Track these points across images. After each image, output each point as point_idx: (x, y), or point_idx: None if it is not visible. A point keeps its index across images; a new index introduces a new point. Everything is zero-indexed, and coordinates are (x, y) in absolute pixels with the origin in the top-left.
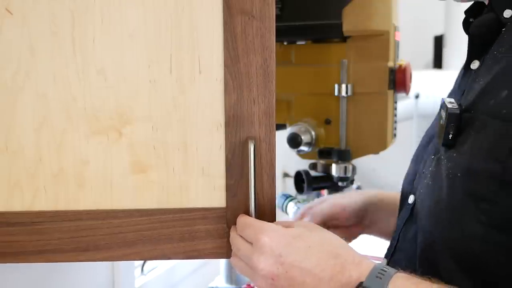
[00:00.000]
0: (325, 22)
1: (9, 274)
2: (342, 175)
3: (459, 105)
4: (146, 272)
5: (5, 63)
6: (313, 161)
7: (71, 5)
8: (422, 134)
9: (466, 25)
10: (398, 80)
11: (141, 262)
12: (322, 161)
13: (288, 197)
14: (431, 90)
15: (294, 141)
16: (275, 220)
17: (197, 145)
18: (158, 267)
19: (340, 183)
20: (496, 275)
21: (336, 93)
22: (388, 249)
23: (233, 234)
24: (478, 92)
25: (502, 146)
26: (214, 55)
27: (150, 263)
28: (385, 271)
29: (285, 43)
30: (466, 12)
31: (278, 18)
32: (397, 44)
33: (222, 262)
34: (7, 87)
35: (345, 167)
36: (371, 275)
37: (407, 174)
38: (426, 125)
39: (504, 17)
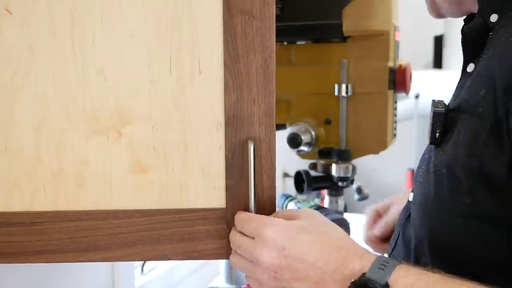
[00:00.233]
0: (325, 22)
1: (9, 274)
2: (342, 175)
3: (446, 105)
4: (146, 272)
5: (5, 63)
6: (313, 161)
7: (70, 5)
8: (422, 134)
9: (463, 30)
10: (398, 80)
11: (141, 262)
12: (322, 161)
13: (288, 197)
14: (431, 90)
15: (294, 141)
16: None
17: (197, 145)
18: (158, 267)
19: (340, 183)
20: (478, 268)
21: (336, 93)
22: (389, 247)
23: (232, 232)
24: (463, 93)
25: (477, 142)
26: (214, 55)
27: (150, 263)
28: (388, 262)
29: (285, 43)
30: (464, 19)
31: (278, 18)
32: (397, 44)
33: (222, 262)
34: (6, 87)
35: (345, 167)
36: (374, 266)
37: (414, 175)
38: (426, 125)
39: (490, 22)
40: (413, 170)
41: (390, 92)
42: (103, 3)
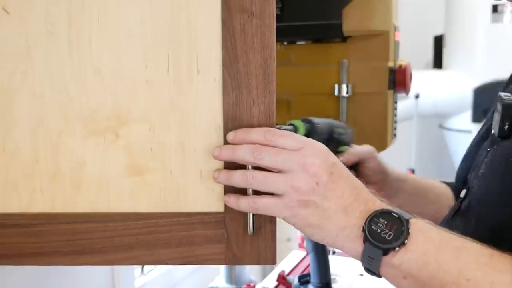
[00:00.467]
0: (325, 22)
1: (9, 275)
2: None
3: None
4: (146, 272)
5: (2, 62)
6: None
7: (67, 4)
8: (422, 134)
9: None
10: (398, 80)
11: None
12: None
13: None
14: (431, 90)
15: None
16: (275, 222)
17: (195, 147)
18: (158, 268)
19: None
20: None
21: (336, 93)
22: None
23: (254, 146)
24: None
25: None
26: (212, 55)
27: None
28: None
29: (285, 43)
30: None
31: (279, 18)
32: (397, 44)
33: None
34: (3, 87)
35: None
36: (395, 208)
37: (458, 174)
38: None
39: None
40: (413, 170)
41: (390, 92)
42: (100, 2)
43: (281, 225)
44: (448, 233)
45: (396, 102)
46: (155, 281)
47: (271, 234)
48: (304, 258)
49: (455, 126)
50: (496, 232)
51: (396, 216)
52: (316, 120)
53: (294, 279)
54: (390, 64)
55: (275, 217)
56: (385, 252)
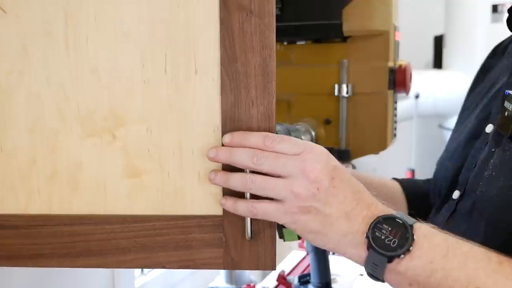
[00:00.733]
0: (325, 22)
1: (9, 275)
2: None
3: None
4: (146, 272)
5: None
6: None
7: (64, 3)
8: (422, 134)
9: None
10: (398, 80)
11: None
12: None
13: None
14: (431, 90)
15: None
16: (274, 226)
17: (192, 148)
18: None
19: None
20: None
21: (336, 93)
22: None
23: (254, 150)
24: None
25: None
26: (210, 54)
27: None
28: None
29: (285, 43)
30: (510, 10)
31: (278, 18)
32: (397, 44)
33: None
34: (0, 87)
35: (345, 167)
36: (399, 213)
37: (442, 173)
38: (426, 125)
39: None
40: (413, 170)
41: (390, 92)
42: (96, 1)
43: None
44: (454, 238)
45: (396, 102)
46: (155, 281)
47: (271, 238)
48: (304, 258)
49: None
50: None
51: (400, 222)
52: (278, 127)
53: (294, 279)
54: (390, 64)
55: (275, 222)
56: (390, 259)
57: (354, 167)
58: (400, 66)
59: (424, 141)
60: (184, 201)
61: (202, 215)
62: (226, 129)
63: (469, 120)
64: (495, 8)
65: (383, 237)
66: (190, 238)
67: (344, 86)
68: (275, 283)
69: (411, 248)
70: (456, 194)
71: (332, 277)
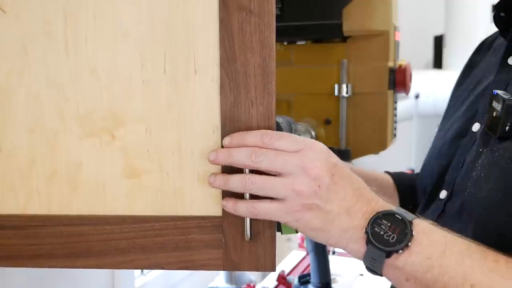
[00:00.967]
0: (325, 22)
1: (9, 275)
2: None
3: None
4: (146, 272)
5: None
6: None
7: (63, 3)
8: (422, 134)
9: (499, 20)
10: (398, 80)
11: None
12: None
13: None
14: (431, 90)
15: None
16: (274, 227)
17: (192, 148)
18: None
19: None
20: None
21: (336, 93)
22: None
23: (252, 147)
24: None
25: None
26: (210, 54)
27: None
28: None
29: (285, 43)
30: (496, 6)
31: (278, 18)
32: (397, 44)
33: None
34: (0, 87)
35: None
36: (398, 209)
37: (428, 171)
38: (426, 125)
39: None
40: (413, 170)
41: (390, 92)
42: (96, 1)
43: None
44: (453, 235)
45: (396, 102)
46: (155, 281)
47: (270, 240)
48: (304, 258)
49: None
50: (505, 238)
51: (400, 218)
52: (280, 119)
53: (294, 279)
54: (390, 64)
55: (274, 223)
56: (388, 254)
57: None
58: (400, 66)
59: (424, 141)
60: (183, 202)
61: (202, 215)
62: (225, 129)
63: (455, 118)
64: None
65: (382, 232)
66: (190, 239)
67: (344, 86)
68: (275, 283)
69: (409, 243)
70: (443, 194)
71: (332, 277)
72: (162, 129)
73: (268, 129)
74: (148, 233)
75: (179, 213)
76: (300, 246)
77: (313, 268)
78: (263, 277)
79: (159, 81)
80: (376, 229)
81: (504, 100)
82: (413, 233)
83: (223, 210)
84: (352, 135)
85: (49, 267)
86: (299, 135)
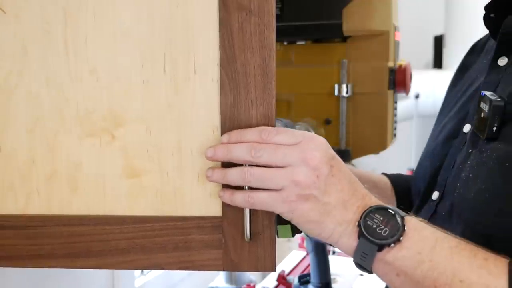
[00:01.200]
0: (325, 22)
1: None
2: None
3: (501, 97)
4: (146, 272)
5: None
6: None
7: (63, 3)
8: (422, 134)
9: (489, 21)
10: (398, 80)
11: None
12: None
13: None
14: (431, 90)
15: None
16: (274, 227)
17: (192, 149)
18: None
19: None
20: None
21: (336, 93)
22: None
23: (251, 143)
24: None
25: None
26: (210, 54)
27: None
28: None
29: (285, 43)
30: (486, 8)
31: (278, 18)
32: (397, 44)
33: None
34: (0, 87)
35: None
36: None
37: (421, 172)
38: (426, 125)
39: None
40: (413, 170)
41: (390, 92)
42: (96, 1)
43: None
44: (443, 232)
45: (396, 102)
46: (155, 281)
47: (270, 240)
48: (304, 258)
49: None
50: (493, 239)
51: (392, 212)
52: (278, 123)
53: (294, 279)
54: (390, 64)
55: (275, 223)
56: (380, 248)
57: (354, 167)
58: (400, 66)
59: (424, 141)
60: (183, 202)
61: (201, 216)
62: (225, 129)
63: (448, 119)
64: None
65: (374, 226)
66: (189, 239)
67: (344, 86)
68: (275, 283)
69: (401, 238)
70: (435, 195)
71: (332, 277)
72: (162, 129)
73: None
74: (148, 233)
75: (179, 213)
76: (300, 246)
77: (313, 268)
78: (263, 277)
79: (159, 81)
80: (368, 222)
81: (491, 101)
82: (405, 228)
83: (223, 210)
84: (352, 135)
85: (49, 267)
86: None
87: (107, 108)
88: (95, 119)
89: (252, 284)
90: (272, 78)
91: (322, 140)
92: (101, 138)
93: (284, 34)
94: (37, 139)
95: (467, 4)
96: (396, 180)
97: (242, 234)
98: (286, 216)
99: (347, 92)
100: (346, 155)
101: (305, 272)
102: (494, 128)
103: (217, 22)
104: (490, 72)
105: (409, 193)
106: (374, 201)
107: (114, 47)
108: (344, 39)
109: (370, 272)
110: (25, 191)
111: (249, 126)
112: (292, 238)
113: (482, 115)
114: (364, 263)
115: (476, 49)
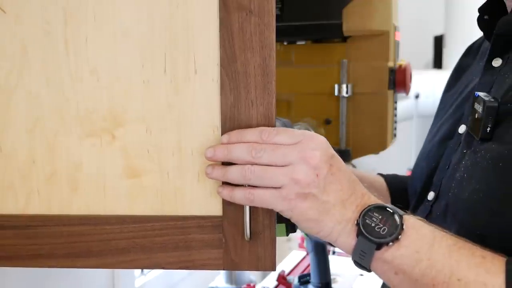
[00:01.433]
0: (325, 22)
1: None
2: None
3: (495, 98)
4: (146, 272)
5: None
6: None
7: (64, 3)
8: (422, 134)
9: (483, 23)
10: (398, 80)
11: None
12: None
13: None
14: (431, 90)
15: None
16: (274, 227)
17: (192, 148)
18: None
19: None
20: None
21: (336, 93)
22: None
23: (252, 143)
24: (509, 86)
25: None
26: (210, 54)
27: None
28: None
29: (285, 43)
30: (480, 10)
31: (278, 18)
32: (397, 44)
33: None
34: (0, 87)
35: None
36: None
37: (418, 173)
38: (426, 125)
39: None
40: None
41: (390, 92)
42: (96, 1)
43: None
44: (441, 231)
45: (396, 102)
46: (155, 281)
47: (271, 239)
48: (304, 258)
49: None
50: (487, 239)
51: (391, 211)
52: (277, 123)
53: (294, 279)
54: (390, 64)
55: (275, 222)
56: (379, 246)
57: (354, 167)
58: (400, 66)
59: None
60: (183, 202)
61: (202, 215)
62: (225, 129)
63: (444, 120)
64: None
65: (373, 224)
66: (190, 238)
67: (344, 86)
68: (275, 283)
69: (400, 236)
70: (431, 196)
71: (332, 277)
72: (162, 129)
73: None
74: (148, 233)
75: (179, 213)
76: (300, 246)
77: (313, 268)
78: (263, 277)
79: (159, 81)
80: (367, 221)
81: (484, 102)
82: (404, 227)
83: (223, 210)
84: (352, 135)
85: (49, 267)
86: None
87: (107, 108)
88: (95, 119)
89: (252, 284)
90: (272, 78)
91: (322, 139)
92: (101, 138)
93: (284, 34)
94: (37, 139)
95: (467, 4)
96: (391, 181)
97: (242, 233)
98: (286, 214)
99: (347, 92)
100: (346, 155)
101: (305, 272)
102: (488, 129)
103: (217, 22)
104: (485, 74)
105: (404, 194)
106: (373, 200)
107: (114, 47)
108: (344, 39)
109: (369, 271)
110: (25, 191)
111: (249, 126)
112: (292, 238)
113: (476, 116)
114: (362, 262)
115: (471, 51)
